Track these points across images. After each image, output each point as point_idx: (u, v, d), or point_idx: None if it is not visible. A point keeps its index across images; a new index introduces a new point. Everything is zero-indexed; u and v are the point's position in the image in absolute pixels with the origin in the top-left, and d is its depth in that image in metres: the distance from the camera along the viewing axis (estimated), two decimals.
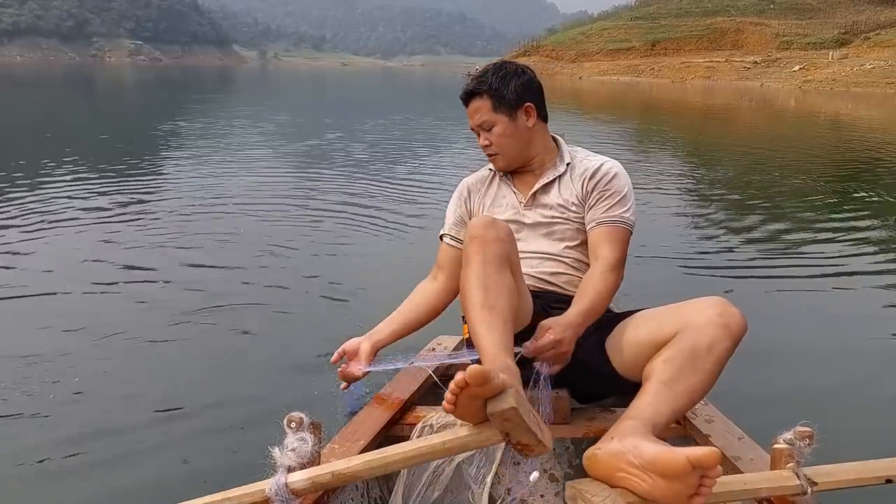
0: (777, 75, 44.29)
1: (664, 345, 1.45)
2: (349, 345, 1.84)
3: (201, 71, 75.96)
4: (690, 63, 51.80)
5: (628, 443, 1.23)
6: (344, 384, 1.85)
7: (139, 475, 2.02)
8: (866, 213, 6.40)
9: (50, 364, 2.72)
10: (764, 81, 43.11)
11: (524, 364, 1.50)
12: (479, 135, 1.86)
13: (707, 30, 58.27)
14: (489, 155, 1.88)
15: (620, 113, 21.55)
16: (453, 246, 1.92)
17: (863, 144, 12.75)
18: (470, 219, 1.88)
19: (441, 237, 1.96)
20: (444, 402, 1.16)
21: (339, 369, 1.84)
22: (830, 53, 45.54)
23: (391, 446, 1.25)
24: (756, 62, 47.96)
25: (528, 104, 1.82)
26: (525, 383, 1.47)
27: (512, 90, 1.79)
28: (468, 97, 1.83)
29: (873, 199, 7.08)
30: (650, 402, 1.36)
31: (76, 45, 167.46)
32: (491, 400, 1.14)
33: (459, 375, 1.12)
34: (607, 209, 1.79)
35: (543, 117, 1.88)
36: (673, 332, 1.45)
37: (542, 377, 1.51)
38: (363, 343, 1.82)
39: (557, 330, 1.53)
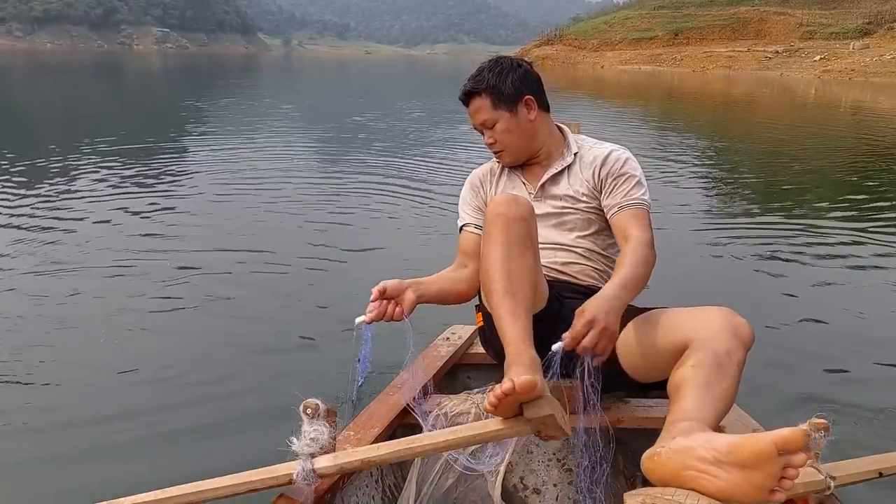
0: (798, 65, 44.23)
1: (676, 351, 1.42)
2: (392, 285, 1.62)
3: (227, 59, 76.50)
4: (712, 53, 51.74)
5: (697, 437, 1.16)
6: (366, 318, 1.58)
7: (163, 453, 2.16)
8: (885, 205, 6.44)
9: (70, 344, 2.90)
10: (784, 71, 43.11)
11: (570, 357, 1.45)
12: (482, 133, 1.85)
13: (730, 19, 58.03)
14: (495, 152, 1.87)
15: (642, 101, 21.81)
16: (476, 234, 1.86)
17: (887, 134, 12.90)
18: (485, 207, 1.86)
19: (462, 227, 1.92)
20: (486, 403, 1.23)
21: (372, 301, 1.60)
22: (852, 44, 45.32)
23: (420, 434, 1.30)
24: (777, 52, 47.86)
25: (527, 97, 1.80)
26: (569, 374, 1.51)
27: (510, 85, 1.78)
28: (467, 97, 1.82)
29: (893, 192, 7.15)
30: (697, 406, 1.29)
31: (104, 32, 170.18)
32: (528, 404, 1.19)
33: (508, 384, 1.18)
34: (626, 193, 1.77)
35: (545, 108, 1.87)
36: (685, 339, 1.42)
37: (587, 369, 1.43)
38: (408, 291, 1.63)
39: (589, 311, 1.43)
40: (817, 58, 44.04)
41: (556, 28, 74.10)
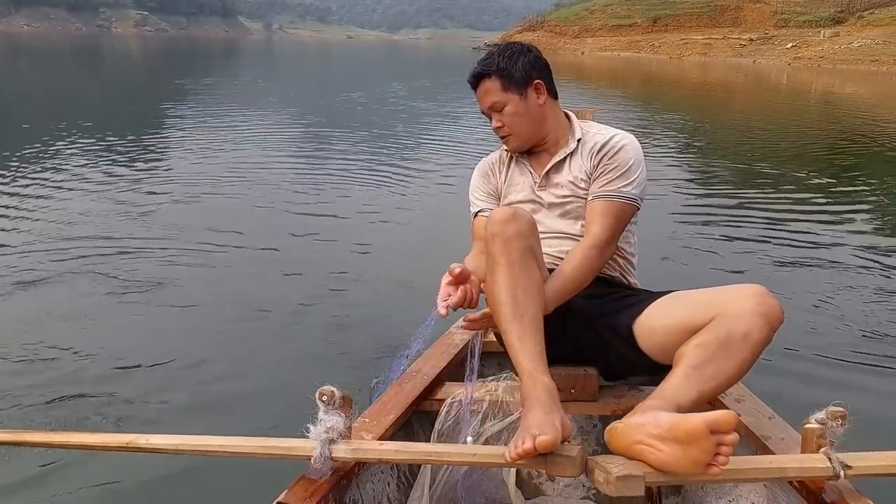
0: (770, 52, 45.32)
1: (697, 329, 1.42)
2: (465, 267, 1.52)
3: (207, 43, 75.35)
4: (689, 40, 52.65)
5: (648, 416, 1.26)
6: (449, 303, 1.49)
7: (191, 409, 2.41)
8: (889, 191, 6.59)
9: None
10: (756, 58, 44.19)
11: (583, 343, 1.64)
12: (490, 118, 1.82)
13: (708, 7, 58.95)
14: (502, 137, 1.83)
15: (621, 87, 22.34)
16: (498, 209, 1.74)
17: (854, 119, 13.50)
18: (497, 193, 1.88)
19: (476, 214, 1.89)
20: (507, 456, 1.24)
21: (449, 284, 1.52)
22: (822, 31, 46.52)
23: (439, 446, 1.35)
24: (752, 39, 48.88)
25: (536, 81, 1.78)
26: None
27: (520, 68, 1.76)
28: (476, 80, 1.80)
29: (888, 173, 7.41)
30: (676, 385, 1.36)
31: (83, 14, 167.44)
32: (548, 457, 1.23)
33: (529, 444, 1.20)
34: (607, 182, 1.73)
35: (553, 94, 1.84)
36: (708, 318, 1.41)
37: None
38: (472, 275, 1.54)
39: None
40: (789, 45, 45.10)
41: (538, 14, 74.68)
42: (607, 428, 1.32)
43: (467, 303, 1.52)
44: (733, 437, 1.14)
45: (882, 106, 17.06)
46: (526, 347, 1.40)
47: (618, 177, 1.73)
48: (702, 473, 1.18)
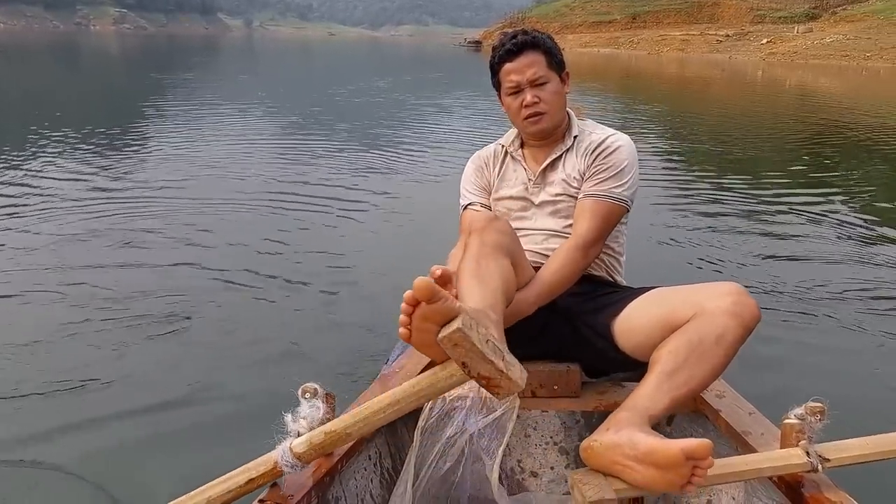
0: (745, 48, 46.25)
1: (675, 329, 1.43)
2: (447, 269, 1.38)
3: (186, 40, 73.90)
4: (667, 36, 53.42)
5: (623, 435, 1.27)
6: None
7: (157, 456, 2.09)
8: (859, 182, 6.60)
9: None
10: (732, 54, 45.02)
11: (566, 339, 1.64)
12: (519, 92, 1.72)
13: (686, 4, 59.85)
14: (533, 115, 1.72)
15: (602, 82, 22.51)
16: (480, 211, 1.84)
17: (828, 110, 13.82)
18: (489, 187, 1.86)
19: (466, 206, 1.88)
20: (399, 328, 1.12)
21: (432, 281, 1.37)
22: (796, 27, 47.52)
23: (372, 400, 1.25)
24: (728, 35, 49.77)
25: (566, 71, 1.76)
26: None
27: (558, 54, 1.74)
28: (520, 48, 1.70)
29: (866, 164, 7.46)
30: (649, 394, 1.37)
31: (60, 12, 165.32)
32: (443, 326, 1.10)
33: (409, 292, 1.08)
34: (598, 182, 1.71)
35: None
36: (685, 318, 1.43)
37: None
38: (453, 277, 1.47)
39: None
40: (764, 41, 46.03)
41: (519, 11, 75.20)
42: (582, 446, 1.32)
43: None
44: (709, 462, 1.19)
45: (854, 99, 17.57)
46: (475, 294, 1.35)
47: (610, 177, 1.71)
48: (678, 492, 1.23)
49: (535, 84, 1.70)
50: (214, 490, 1.24)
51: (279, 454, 1.24)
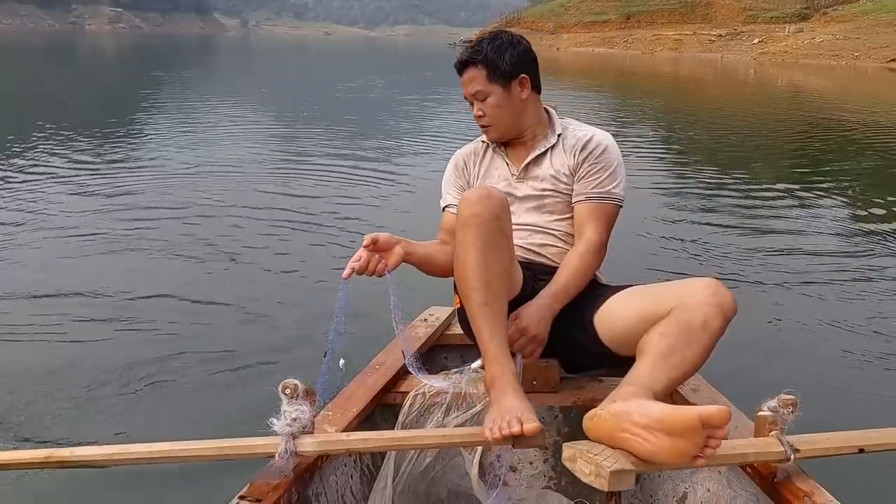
0: (737, 48, 46.60)
1: (657, 321, 1.46)
2: (383, 238, 1.59)
3: (182, 39, 73.90)
4: (661, 36, 53.78)
5: (633, 403, 1.25)
6: (345, 271, 1.54)
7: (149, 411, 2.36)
8: (842, 178, 6.81)
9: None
10: (724, 54, 45.41)
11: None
12: (472, 104, 1.82)
13: (679, 3, 60.24)
14: (482, 126, 1.83)
15: (598, 81, 22.95)
16: (472, 192, 1.76)
17: (817, 108, 14.26)
18: (468, 187, 1.87)
19: (444, 208, 1.91)
20: (490, 435, 1.32)
21: (361, 253, 1.57)
22: (787, 27, 47.95)
23: (404, 431, 1.35)
24: (720, 35, 50.13)
25: (522, 75, 1.78)
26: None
27: (507, 61, 1.76)
28: (463, 66, 1.79)
29: (852, 162, 7.79)
30: (648, 372, 1.38)
31: (55, 12, 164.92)
32: (519, 439, 1.30)
33: (517, 428, 1.28)
34: (597, 184, 1.75)
35: (537, 88, 1.85)
36: (666, 310, 1.45)
37: (518, 366, 1.53)
38: (397, 246, 1.61)
39: (523, 319, 1.58)
40: (756, 41, 46.37)
41: (515, 10, 75.57)
42: (587, 415, 1.31)
43: (369, 271, 1.56)
44: (723, 431, 1.17)
45: (842, 97, 17.92)
46: (495, 335, 1.45)
47: (606, 178, 1.76)
48: (687, 464, 1.21)
49: (478, 98, 1.79)
50: (203, 445, 1.31)
51: (280, 447, 1.28)
